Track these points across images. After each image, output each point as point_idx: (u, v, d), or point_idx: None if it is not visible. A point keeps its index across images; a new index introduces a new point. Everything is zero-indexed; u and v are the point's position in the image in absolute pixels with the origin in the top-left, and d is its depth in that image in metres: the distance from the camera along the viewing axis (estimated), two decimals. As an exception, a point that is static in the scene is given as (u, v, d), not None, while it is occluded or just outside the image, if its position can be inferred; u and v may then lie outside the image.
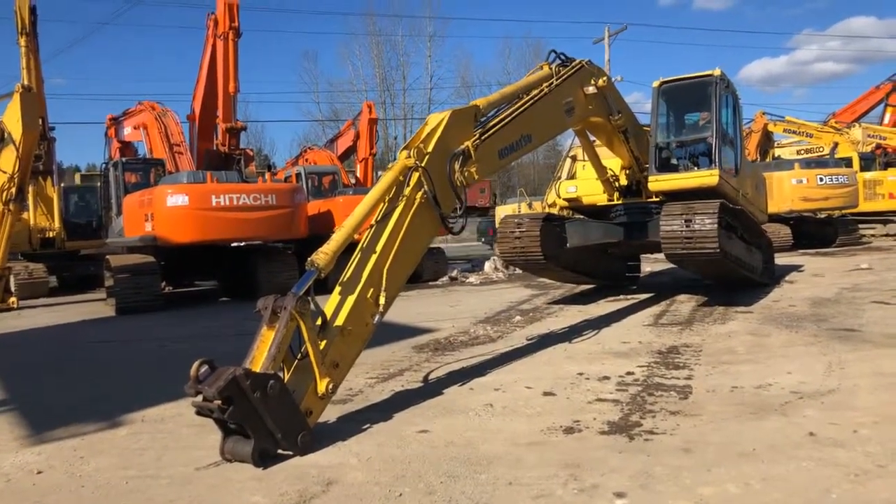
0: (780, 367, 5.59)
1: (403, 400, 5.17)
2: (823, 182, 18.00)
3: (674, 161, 9.38)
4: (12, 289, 14.51)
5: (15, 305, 13.51)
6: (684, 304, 9.41)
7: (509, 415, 4.66)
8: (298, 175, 17.28)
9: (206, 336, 9.06)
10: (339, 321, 4.44)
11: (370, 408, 5.00)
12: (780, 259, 13.34)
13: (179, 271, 13.97)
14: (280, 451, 3.93)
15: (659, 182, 9.18)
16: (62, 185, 18.65)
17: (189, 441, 4.41)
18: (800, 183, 17.94)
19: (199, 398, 3.72)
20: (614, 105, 8.64)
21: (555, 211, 11.66)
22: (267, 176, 13.81)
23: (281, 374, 4.07)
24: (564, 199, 10.67)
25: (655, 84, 9.59)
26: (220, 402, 3.63)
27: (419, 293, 12.98)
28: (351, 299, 4.53)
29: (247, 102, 64.28)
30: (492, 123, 6.02)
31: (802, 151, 25.69)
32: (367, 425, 4.52)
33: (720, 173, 8.81)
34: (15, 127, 12.29)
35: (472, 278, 15.18)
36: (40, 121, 14.71)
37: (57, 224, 17.85)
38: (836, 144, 23.12)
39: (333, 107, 56.70)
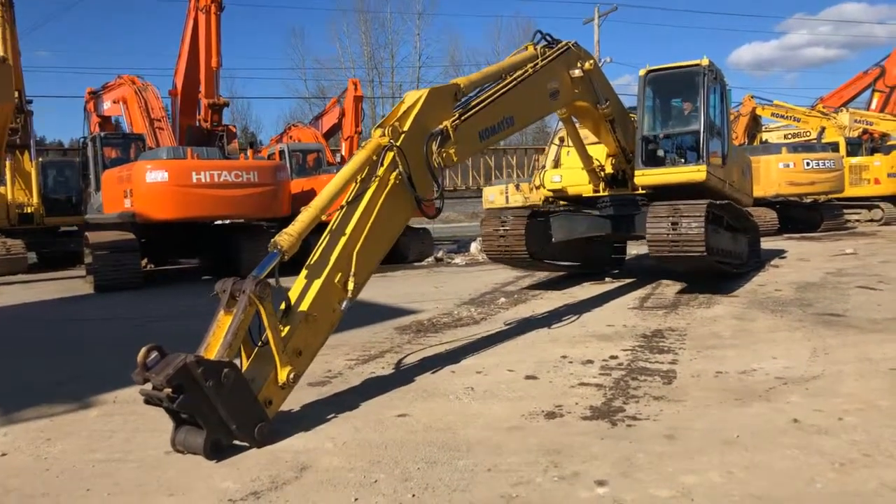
0: (764, 352, 5.54)
1: (383, 382, 5.06)
2: (810, 167, 17.99)
3: (660, 153, 9.23)
4: (-11, 265, 14.22)
5: (-9, 282, 13.25)
6: (669, 287, 9.36)
7: (490, 399, 4.57)
8: (282, 152, 17.02)
9: (184, 315, 8.89)
10: (304, 306, 4.21)
11: (349, 391, 4.89)
12: (766, 243, 13.32)
13: (160, 249, 13.74)
14: (237, 442, 3.74)
15: (646, 176, 9.06)
16: (40, 159, 18.23)
17: (160, 424, 4.23)
18: (787, 167, 17.92)
19: (149, 386, 3.52)
20: (601, 91, 8.44)
21: (542, 195, 11.51)
22: (249, 153, 13.56)
23: (238, 362, 3.87)
24: (549, 190, 10.57)
25: (641, 73, 9.41)
26: (169, 390, 3.43)
27: (404, 273, 12.86)
28: (317, 284, 4.30)
29: (233, 79, 63.40)
30: (473, 104, 5.82)
31: (790, 136, 25.71)
32: (345, 409, 4.41)
33: (707, 168, 8.71)
34: (-11, 99, 11.95)
35: (458, 259, 15.08)
36: (16, 93, 14.36)
37: (35, 199, 17.50)
38: (823, 129, 23.15)
39: (320, 84, 55.99)
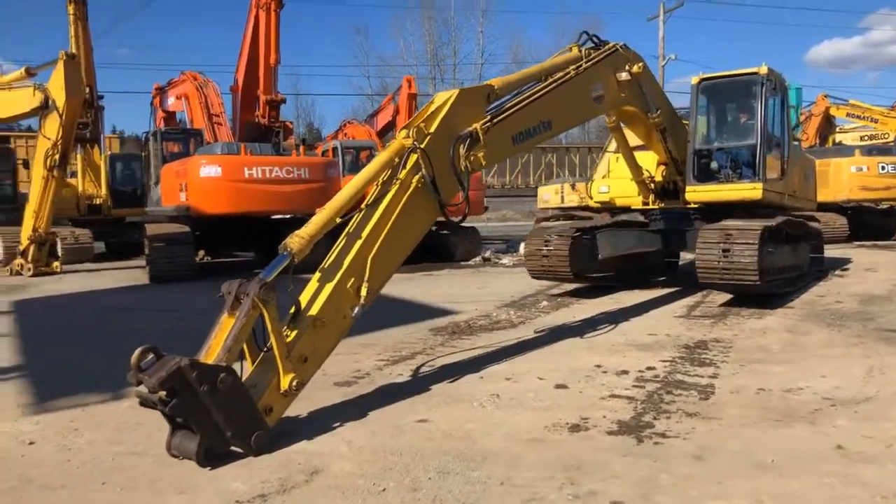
0: (815, 369, 5.21)
1: (409, 386, 5.00)
2: (885, 170, 17.01)
3: (714, 166, 8.76)
4: (59, 254, 14.86)
5: (58, 270, 13.84)
6: (721, 295, 8.94)
7: (515, 407, 4.44)
8: (335, 149, 17.21)
9: (230, 308, 9.05)
10: (314, 311, 4.07)
11: (374, 393, 4.83)
12: (833, 251, 12.66)
13: (215, 241, 14.07)
14: (234, 449, 3.65)
15: (697, 193, 8.66)
16: (109, 153, 19.00)
17: (184, 418, 4.32)
18: (859, 171, 16.99)
19: (143, 388, 3.45)
20: (651, 97, 8.05)
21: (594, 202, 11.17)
22: (301, 149, 13.75)
23: (240, 366, 3.78)
24: (597, 202, 10.28)
25: (694, 81, 8.98)
26: (163, 393, 3.37)
27: (449, 273, 12.79)
28: (328, 288, 4.15)
29: (297, 76, 64.61)
30: (507, 106, 5.58)
31: (866, 138, 24.37)
32: (366, 411, 4.36)
33: (764, 186, 8.26)
34: (59, 94, 12.49)
35: (506, 260, 14.90)
36: (87, 89, 14.94)
37: (104, 191, 18.25)
38: (902, 131, 21.85)
39: (383, 81, 56.61)
